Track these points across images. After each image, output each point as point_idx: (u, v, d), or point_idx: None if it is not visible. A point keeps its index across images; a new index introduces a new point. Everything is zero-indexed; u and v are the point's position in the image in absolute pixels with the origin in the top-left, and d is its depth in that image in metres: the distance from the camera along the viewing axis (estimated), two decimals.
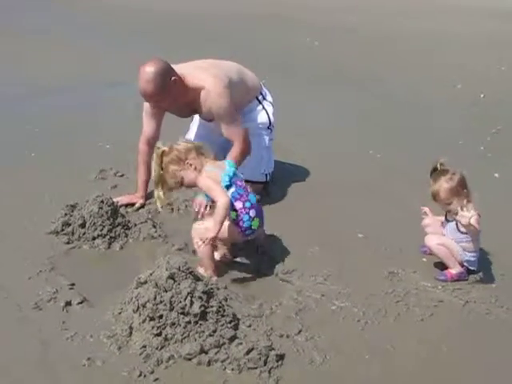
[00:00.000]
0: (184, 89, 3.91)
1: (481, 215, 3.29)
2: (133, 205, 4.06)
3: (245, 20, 10.50)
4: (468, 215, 3.21)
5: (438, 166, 3.38)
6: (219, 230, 3.16)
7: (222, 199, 3.17)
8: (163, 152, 3.31)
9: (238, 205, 3.26)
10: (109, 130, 5.46)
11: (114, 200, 3.83)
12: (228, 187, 3.26)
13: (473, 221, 3.21)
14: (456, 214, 3.29)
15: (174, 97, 3.88)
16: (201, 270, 3.29)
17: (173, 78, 3.81)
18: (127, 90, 6.63)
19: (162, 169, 3.32)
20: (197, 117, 4.47)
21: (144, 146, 4.16)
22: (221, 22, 10.35)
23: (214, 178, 3.27)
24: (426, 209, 3.55)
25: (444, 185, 3.29)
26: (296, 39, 9.42)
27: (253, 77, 4.35)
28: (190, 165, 3.31)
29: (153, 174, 3.39)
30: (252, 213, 3.29)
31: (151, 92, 3.78)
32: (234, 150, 3.98)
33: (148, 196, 4.11)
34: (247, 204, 3.28)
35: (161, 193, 3.37)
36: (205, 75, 3.95)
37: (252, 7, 11.46)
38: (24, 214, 3.83)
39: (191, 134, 4.45)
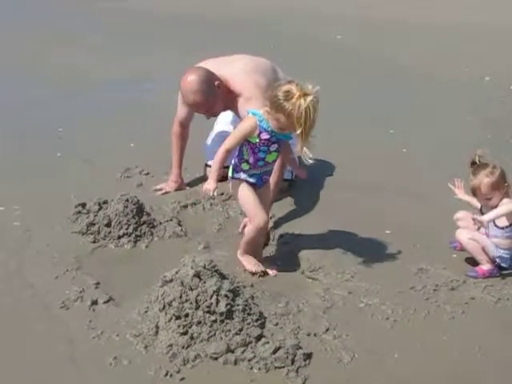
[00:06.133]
0: (227, 91, 3.81)
1: None
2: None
3: (272, 13, 10.54)
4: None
5: (477, 159, 3.31)
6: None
7: None
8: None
9: None
10: (133, 129, 5.47)
11: (155, 188, 4.14)
12: None
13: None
14: (494, 208, 3.24)
15: (222, 100, 3.81)
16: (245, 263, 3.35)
17: (216, 82, 3.74)
18: (151, 88, 6.67)
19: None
20: (221, 116, 4.45)
21: (177, 127, 4.22)
22: (247, 17, 10.37)
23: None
24: (459, 184, 3.51)
25: (485, 179, 3.22)
26: (321, 33, 9.38)
27: (283, 75, 4.29)
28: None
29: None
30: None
31: (202, 101, 3.71)
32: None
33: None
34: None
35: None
36: (247, 82, 3.81)
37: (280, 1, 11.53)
38: (50, 213, 3.85)
39: (212, 135, 4.45)
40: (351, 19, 10.30)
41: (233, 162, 3.24)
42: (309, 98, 2.89)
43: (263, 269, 3.31)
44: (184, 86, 3.72)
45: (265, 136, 3.10)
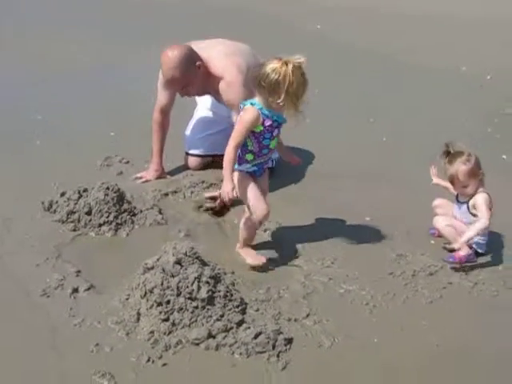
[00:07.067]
0: (207, 73, 3.82)
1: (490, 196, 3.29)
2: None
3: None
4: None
5: (450, 148, 3.35)
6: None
7: None
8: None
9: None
10: (113, 117, 5.43)
11: (135, 176, 4.14)
12: None
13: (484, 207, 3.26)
14: (470, 196, 3.29)
15: (200, 81, 3.81)
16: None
17: (197, 62, 3.74)
18: (131, 76, 6.62)
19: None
20: (200, 103, 4.44)
21: (158, 115, 4.17)
22: (246, 6, 10.27)
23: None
24: (434, 171, 3.57)
25: (462, 167, 3.26)
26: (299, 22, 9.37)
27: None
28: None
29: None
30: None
31: (179, 76, 3.71)
32: None
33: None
34: None
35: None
36: (228, 64, 3.83)
37: None
38: (31, 202, 3.82)
39: (192, 123, 4.45)
40: (332, 9, 10.32)
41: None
42: (289, 65, 2.92)
43: (264, 261, 3.27)
44: (164, 60, 3.72)
45: (268, 122, 3.09)
